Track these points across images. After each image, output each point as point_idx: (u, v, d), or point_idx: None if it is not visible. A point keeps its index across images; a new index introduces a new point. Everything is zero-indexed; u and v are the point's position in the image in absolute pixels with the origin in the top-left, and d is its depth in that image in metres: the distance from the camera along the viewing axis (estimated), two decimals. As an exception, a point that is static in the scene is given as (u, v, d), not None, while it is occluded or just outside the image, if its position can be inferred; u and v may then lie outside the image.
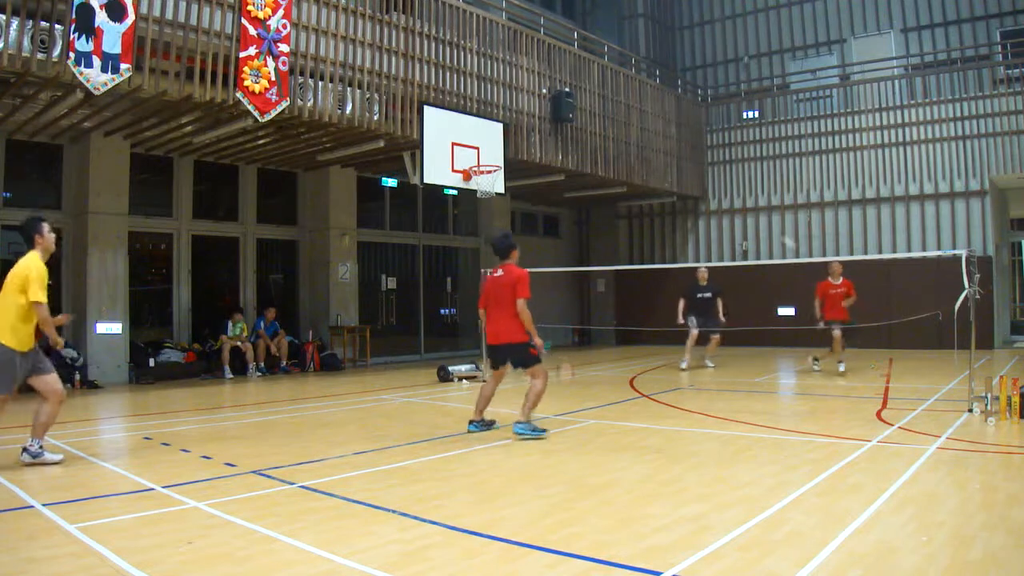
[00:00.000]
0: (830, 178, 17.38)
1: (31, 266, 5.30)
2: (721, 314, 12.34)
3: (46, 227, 5.63)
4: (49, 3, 7.61)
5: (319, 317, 14.10)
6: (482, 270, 12.01)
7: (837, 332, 10.97)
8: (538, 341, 6.58)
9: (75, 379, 10.49)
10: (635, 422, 7.35)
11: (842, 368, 11.17)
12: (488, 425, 6.85)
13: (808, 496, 4.38)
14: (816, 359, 11.74)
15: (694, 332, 12.31)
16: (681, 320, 12.28)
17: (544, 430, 6.52)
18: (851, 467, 5.11)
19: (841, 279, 11.19)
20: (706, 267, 12.60)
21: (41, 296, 5.23)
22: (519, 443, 6.29)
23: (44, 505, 4.32)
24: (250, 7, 9.08)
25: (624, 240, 20.26)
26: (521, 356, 6.54)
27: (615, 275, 19.39)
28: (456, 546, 3.61)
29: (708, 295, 12.31)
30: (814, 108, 18.21)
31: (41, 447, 5.43)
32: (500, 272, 6.67)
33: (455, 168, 11.74)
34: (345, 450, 6.02)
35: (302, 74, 9.80)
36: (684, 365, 12.24)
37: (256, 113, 9.22)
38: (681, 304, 12.34)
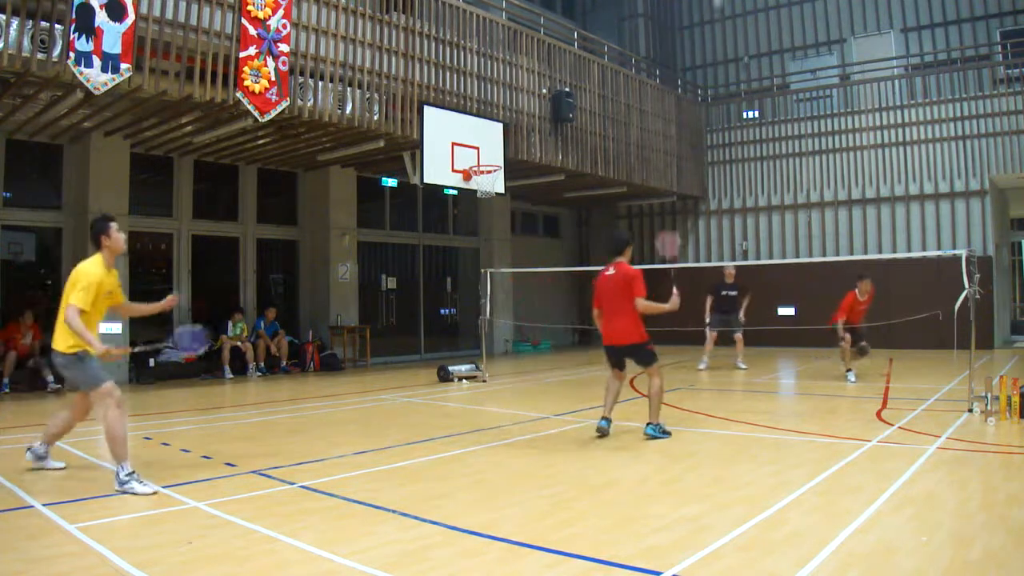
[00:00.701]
0: (830, 178, 17.38)
1: (84, 271, 5.10)
2: (742, 312, 12.46)
3: (114, 227, 5.23)
4: (49, 3, 7.61)
5: (319, 317, 14.10)
6: (482, 270, 12.08)
7: (844, 342, 10.52)
8: (673, 302, 6.34)
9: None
10: (635, 422, 7.35)
11: (851, 378, 10.56)
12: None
13: (808, 496, 4.38)
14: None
15: (713, 334, 12.47)
16: (707, 319, 12.43)
17: (670, 433, 6.39)
18: (851, 467, 5.11)
19: (869, 290, 10.77)
20: (734, 265, 12.66)
21: (79, 301, 4.93)
22: (518, 443, 6.29)
23: (44, 505, 4.32)
24: (250, 7, 9.08)
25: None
26: (641, 355, 6.45)
27: (615, 275, 19.35)
28: (456, 546, 3.61)
29: (734, 293, 12.45)
30: (814, 108, 18.21)
31: (47, 452, 5.33)
32: (612, 271, 6.51)
33: (455, 168, 11.74)
34: (345, 450, 6.02)
35: (302, 74, 9.80)
36: (703, 366, 12.36)
37: (256, 113, 9.22)
38: (708, 301, 12.44)
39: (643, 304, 6.24)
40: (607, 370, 6.72)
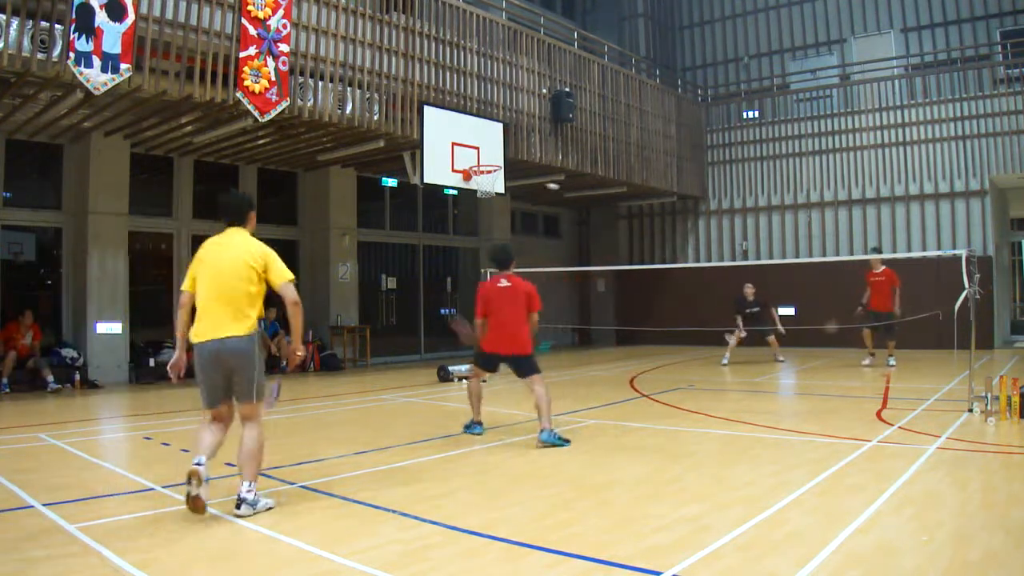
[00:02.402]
0: (830, 178, 17.38)
1: (267, 248, 4.50)
2: (777, 323, 13.35)
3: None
4: (49, 3, 7.61)
5: (319, 317, 14.09)
6: (482, 270, 12.08)
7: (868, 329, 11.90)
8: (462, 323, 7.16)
9: (75, 379, 10.49)
10: (635, 422, 7.35)
11: (865, 363, 12.04)
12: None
13: (808, 496, 4.38)
14: (872, 355, 12.26)
15: (742, 335, 13.26)
16: (742, 332, 13.25)
17: (568, 441, 6.25)
18: (851, 467, 5.11)
19: (883, 267, 11.90)
20: (751, 285, 13.37)
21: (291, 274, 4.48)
22: (518, 443, 6.30)
23: (44, 505, 4.32)
24: (250, 7, 9.08)
25: (624, 240, 20.26)
26: (527, 366, 6.49)
27: (615, 275, 19.39)
28: (456, 546, 3.61)
29: (757, 309, 13.31)
30: (814, 108, 18.21)
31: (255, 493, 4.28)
32: (505, 283, 6.55)
33: (455, 168, 11.74)
34: (345, 450, 6.02)
35: (302, 74, 9.80)
36: (725, 361, 13.06)
37: (256, 113, 9.22)
38: (739, 320, 13.33)
39: (536, 319, 6.55)
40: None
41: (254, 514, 4.19)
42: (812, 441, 6.11)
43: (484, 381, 7.04)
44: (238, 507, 4.18)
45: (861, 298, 12.06)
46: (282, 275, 4.43)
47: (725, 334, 13.38)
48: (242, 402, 4.40)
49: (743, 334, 13.21)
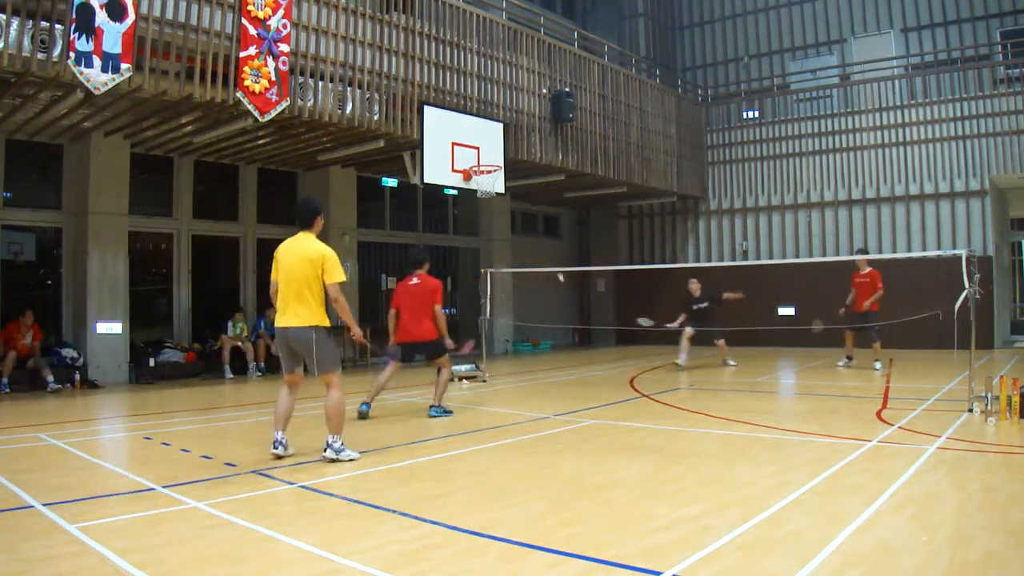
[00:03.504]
0: (830, 178, 17.38)
1: (331, 251, 5.56)
2: (728, 297, 12.94)
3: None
4: (49, 3, 7.61)
5: (319, 317, 14.08)
6: (482, 270, 12.08)
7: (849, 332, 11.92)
8: (449, 341, 7.94)
9: (75, 379, 10.49)
10: (635, 422, 7.35)
11: (840, 364, 11.97)
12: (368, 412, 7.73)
13: (808, 496, 4.38)
14: (849, 357, 12.18)
15: (689, 331, 12.60)
16: (677, 324, 12.67)
17: (451, 412, 7.84)
18: (851, 467, 5.10)
19: (868, 268, 11.73)
20: (696, 281, 12.99)
21: (343, 276, 5.55)
22: (518, 443, 6.30)
23: (44, 505, 4.31)
24: (250, 7, 9.08)
25: (624, 240, 20.26)
26: (434, 350, 7.82)
27: (615, 275, 19.40)
28: (456, 546, 3.61)
29: (704, 305, 12.81)
30: (814, 108, 18.21)
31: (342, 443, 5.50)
32: (416, 280, 7.77)
33: (455, 168, 11.74)
34: (345, 450, 6.01)
35: (302, 74, 9.80)
36: (681, 361, 12.45)
37: (256, 113, 9.22)
38: (682, 318, 12.79)
39: (439, 311, 7.71)
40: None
41: (336, 460, 5.38)
42: (812, 441, 6.11)
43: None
44: (324, 451, 5.43)
45: (846, 299, 11.94)
46: (333, 276, 5.48)
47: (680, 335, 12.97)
48: (318, 375, 5.49)
49: (690, 331, 12.57)
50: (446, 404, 7.98)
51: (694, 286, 12.88)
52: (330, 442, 5.41)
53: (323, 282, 5.46)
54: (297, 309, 5.40)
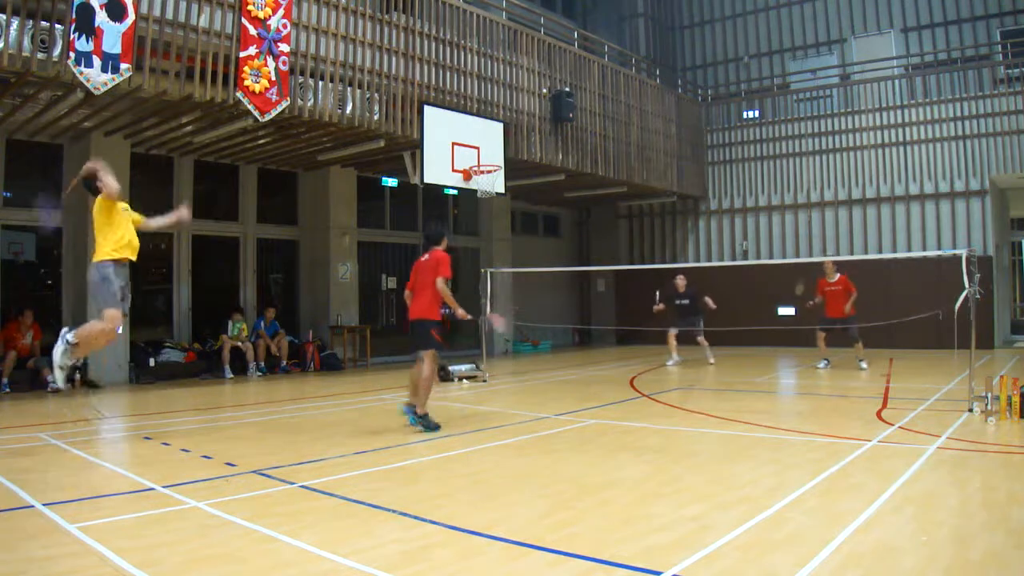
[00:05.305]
0: (830, 178, 17.38)
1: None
2: (710, 305, 13.18)
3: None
4: (49, 3, 7.61)
5: (319, 317, 14.10)
6: (482, 270, 12.08)
7: (821, 333, 12.09)
8: (460, 312, 6.88)
9: (75, 379, 10.49)
10: (635, 422, 7.35)
11: (821, 366, 12.01)
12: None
13: (808, 496, 4.38)
14: (826, 359, 12.23)
15: (672, 331, 13.28)
16: (655, 309, 13.33)
17: (439, 427, 6.74)
18: (851, 467, 5.10)
19: (837, 276, 11.81)
20: (683, 277, 13.41)
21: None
22: (518, 443, 6.30)
23: (44, 505, 4.31)
24: (250, 7, 9.08)
25: (624, 240, 20.26)
26: (422, 334, 6.75)
27: (615, 275, 19.40)
28: (456, 546, 3.61)
29: (687, 301, 13.26)
30: (814, 108, 18.21)
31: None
32: (427, 257, 6.95)
33: (455, 168, 11.74)
34: (345, 450, 6.02)
35: (302, 74, 9.80)
36: (670, 363, 12.99)
37: (256, 113, 9.22)
38: (661, 306, 13.38)
39: (442, 284, 6.70)
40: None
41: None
42: (812, 441, 6.11)
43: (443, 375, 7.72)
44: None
45: (812, 298, 12.16)
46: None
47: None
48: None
49: (673, 330, 13.23)
50: (433, 414, 6.89)
51: (680, 281, 13.33)
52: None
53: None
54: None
